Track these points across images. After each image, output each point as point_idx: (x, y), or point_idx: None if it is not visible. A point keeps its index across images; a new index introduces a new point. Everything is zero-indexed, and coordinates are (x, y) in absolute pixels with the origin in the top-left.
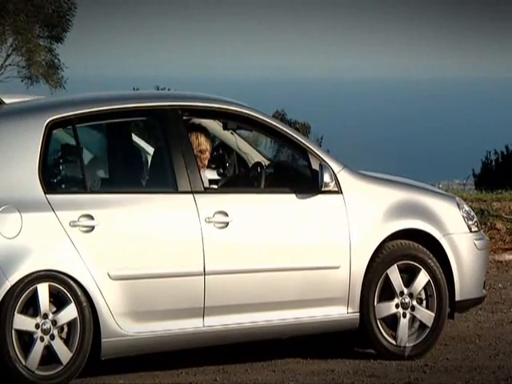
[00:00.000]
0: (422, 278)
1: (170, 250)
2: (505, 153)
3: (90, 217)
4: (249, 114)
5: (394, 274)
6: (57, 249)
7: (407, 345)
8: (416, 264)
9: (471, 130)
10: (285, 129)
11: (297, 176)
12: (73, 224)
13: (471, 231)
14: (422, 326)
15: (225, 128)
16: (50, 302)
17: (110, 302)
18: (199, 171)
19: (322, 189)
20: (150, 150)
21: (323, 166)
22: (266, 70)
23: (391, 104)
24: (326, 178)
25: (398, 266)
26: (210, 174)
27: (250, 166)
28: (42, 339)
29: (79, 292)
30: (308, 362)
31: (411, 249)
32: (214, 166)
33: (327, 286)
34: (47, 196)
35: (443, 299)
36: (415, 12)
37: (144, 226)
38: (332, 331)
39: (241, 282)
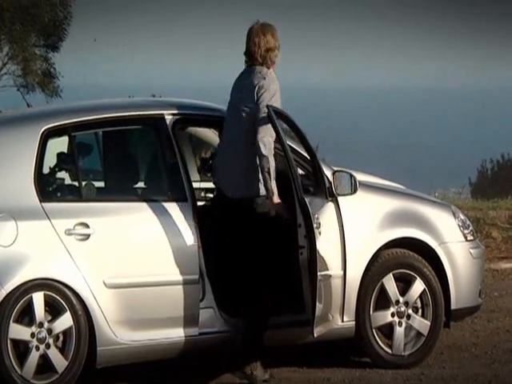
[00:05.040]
0: (418, 286)
1: (166, 259)
2: (500, 161)
3: (86, 225)
4: None
5: (390, 283)
6: (52, 257)
7: (404, 353)
8: (411, 273)
9: (467, 139)
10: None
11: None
12: (68, 232)
13: (467, 240)
14: (418, 334)
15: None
16: (46, 310)
17: (106, 311)
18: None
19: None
20: None
21: (343, 173)
22: None
23: (387, 112)
24: (355, 184)
25: (393, 274)
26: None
27: None
28: (37, 348)
29: (74, 300)
30: (304, 370)
31: (407, 257)
32: (210, 174)
33: (323, 295)
34: (43, 204)
35: (439, 308)
36: (415, 17)
37: (139, 235)
38: (328, 340)
39: None
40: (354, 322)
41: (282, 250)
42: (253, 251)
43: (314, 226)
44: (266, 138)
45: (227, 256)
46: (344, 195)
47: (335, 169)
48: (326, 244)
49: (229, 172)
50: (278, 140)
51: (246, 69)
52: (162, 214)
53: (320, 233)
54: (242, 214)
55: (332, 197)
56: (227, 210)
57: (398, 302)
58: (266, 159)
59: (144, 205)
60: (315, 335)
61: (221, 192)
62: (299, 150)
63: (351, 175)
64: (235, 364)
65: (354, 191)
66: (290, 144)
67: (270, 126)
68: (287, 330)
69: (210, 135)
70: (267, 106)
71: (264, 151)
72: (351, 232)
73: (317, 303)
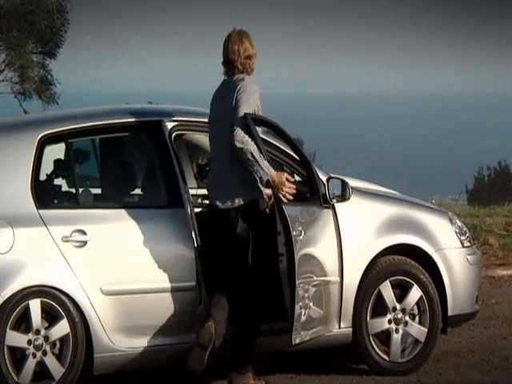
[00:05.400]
0: (415, 293)
1: (163, 265)
2: (497, 168)
3: (83, 232)
4: None
5: (387, 290)
6: (49, 264)
7: (401, 360)
8: (408, 279)
9: (464, 146)
10: (276, 143)
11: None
12: (65, 239)
13: (463, 246)
14: (415, 341)
15: None
16: (42, 317)
17: (103, 317)
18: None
19: (339, 201)
20: None
21: (336, 179)
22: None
23: (385, 119)
24: (348, 191)
25: (390, 281)
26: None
27: None
28: (34, 355)
29: (71, 307)
30: (301, 377)
31: (404, 264)
32: (205, 181)
33: (320, 302)
34: (39, 211)
35: (436, 314)
36: (413, 18)
37: (136, 241)
38: (325, 346)
39: None
40: (351, 329)
41: (271, 257)
42: (244, 258)
43: (294, 233)
44: (238, 132)
45: (222, 262)
46: (337, 202)
47: (329, 175)
48: (323, 250)
49: (222, 186)
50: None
51: (226, 79)
52: (159, 221)
53: (301, 240)
54: (234, 223)
55: (326, 203)
56: (221, 222)
57: (394, 308)
58: (244, 150)
59: (141, 211)
60: (293, 343)
61: (214, 206)
62: (296, 156)
63: (344, 182)
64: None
65: (347, 198)
66: (286, 150)
67: (243, 123)
68: (278, 336)
69: (207, 141)
70: (245, 114)
71: (239, 144)
72: (348, 238)
73: (305, 310)
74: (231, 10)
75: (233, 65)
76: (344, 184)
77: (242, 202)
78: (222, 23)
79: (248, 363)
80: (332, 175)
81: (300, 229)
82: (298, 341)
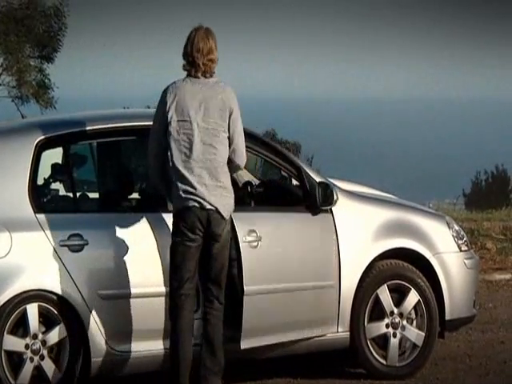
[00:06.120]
0: (412, 297)
1: (161, 270)
2: (494, 172)
3: (80, 236)
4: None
5: (384, 294)
6: (46, 268)
7: (398, 364)
8: (406, 284)
9: (462, 150)
10: (276, 147)
11: (289, 195)
12: (62, 243)
13: (461, 250)
14: (413, 345)
15: None
16: (40, 322)
17: (100, 322)
18: None
19: (330, 206)
20: None
21: (329, 184)
22: (255, 89)
23: (382, 124)
24: (334, 195)
25: (387, 285)
26: None
27: (240, 185)
28: (31, 360)
29: (69, 312)
30: (298, 381)
31: (401, 268)
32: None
33: (317, 306)
34: (37, 215)
35: (433, 318)
36: (412, 18)
37: (134, 246)
38: (322, 350)
39: None
40: (348, 333)
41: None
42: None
43: (251, 239)
44: (241, 150)
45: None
46: (324, 206)
47: (318, 180)
48: (320, 254)
49: (208, 188)
50: None
51: (197, 79)
52: (157, 225)
53: (259, 246)
54: (222, 223)
55: (316, 208)
56: (208, 222)
57: (392, 312)
58: (242, 165)
59: (138, 215)
60: (242, 347)
61: (197, 206)
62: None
63: (332, 185)
64: (229, 374)
65: (332, 202)
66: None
67: (241, 142)
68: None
69: None
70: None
71: (240, 162)
72: (346, 243)
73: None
74: (230, 11)
75: (195, 62)
76: (332, 188)
77: (228, 203)
78: (222, 23)
79: (221, 363)
80: (320, 180)
81: (256, 235)
82: (246, 346)
